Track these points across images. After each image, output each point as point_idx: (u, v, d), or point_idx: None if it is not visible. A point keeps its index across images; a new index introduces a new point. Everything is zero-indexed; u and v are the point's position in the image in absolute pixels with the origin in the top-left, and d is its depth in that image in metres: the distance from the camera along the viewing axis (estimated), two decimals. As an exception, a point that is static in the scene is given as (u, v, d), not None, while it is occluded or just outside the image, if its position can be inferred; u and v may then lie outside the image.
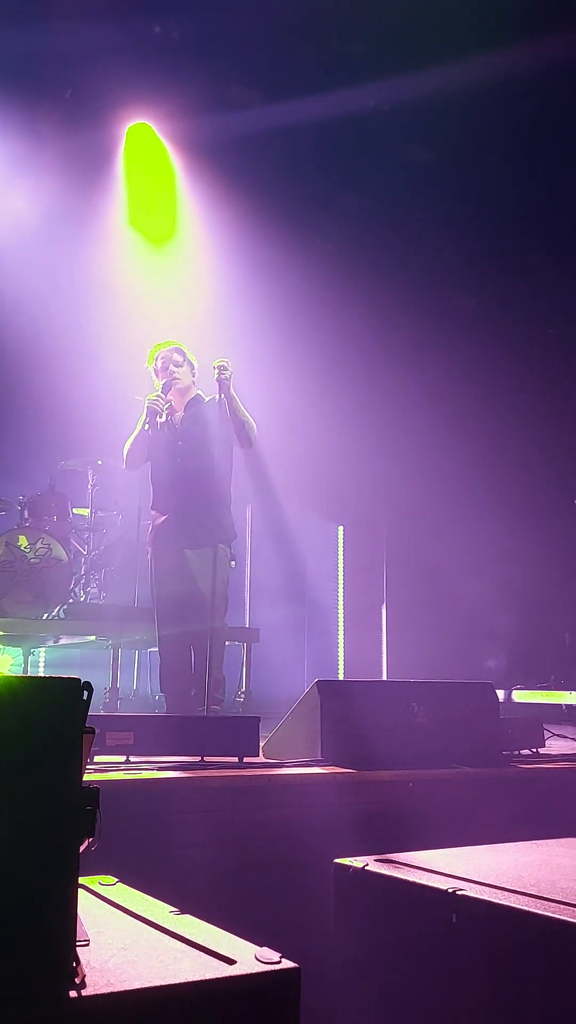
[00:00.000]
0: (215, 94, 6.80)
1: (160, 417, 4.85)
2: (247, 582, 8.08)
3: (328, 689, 3.42)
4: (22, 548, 6.16)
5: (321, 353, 7.64)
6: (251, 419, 4.90)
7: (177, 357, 4.96)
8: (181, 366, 4.95)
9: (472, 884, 2.01)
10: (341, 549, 9.09)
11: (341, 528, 9.14)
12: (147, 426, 4.83)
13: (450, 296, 8.07)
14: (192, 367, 5.02)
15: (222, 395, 4.75)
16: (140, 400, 5.01)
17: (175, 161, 7.55)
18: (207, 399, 4.99)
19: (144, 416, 4.84)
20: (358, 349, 7.84)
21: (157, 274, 7.70)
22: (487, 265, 7.77)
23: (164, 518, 4.89)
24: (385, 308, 7.82)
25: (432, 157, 7.17)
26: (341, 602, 8.89)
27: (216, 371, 4.74)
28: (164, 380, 4.92)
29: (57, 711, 1.37)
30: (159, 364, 4.98)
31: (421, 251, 7.70)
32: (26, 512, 6.70)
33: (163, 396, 4.86)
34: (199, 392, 5.03)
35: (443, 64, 6.09)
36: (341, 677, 8.36)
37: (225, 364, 4.75)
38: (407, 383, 7.93)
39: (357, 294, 7.67)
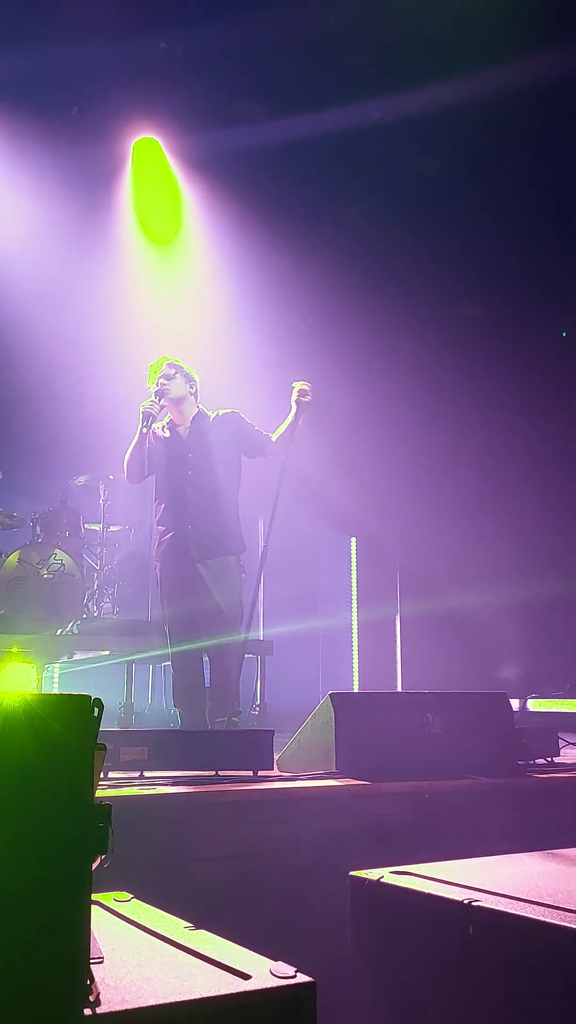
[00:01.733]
0: (219, 108, 6.85)
1: (156, 423, 4.82)
2: (260, 593, 8.08)
3: (342, 701, 3.41)
4: (35, 564, 6.19)
5: (328, 364, 7.65)
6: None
7: (168, 370, 4.92)
8: (172, 378, 4.90)
9: (489, 895, 2.00)
10: (354, 560, 9.07)
11: (354, 540, 9.13)
12: (145, 430, 4.80)
13: (457, 305, 8.08)
14: (188, 379, 4.95)
15: (295, 418, 4.81)
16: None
17: (181, 175, 7.60)
18: (212, 415, 4.99)
19: (140, 424, 4.80)
20: (366, 359, 7.85)
21: (165, 288, 7.75)
22: (494, 274, 7.78)
23: (174, 532, 4.87)
24: (392, 318, 7.83)
25: (436, 167, 7.20)
26: (355, 614, 8.88)
27: (296, 392, 4.79)
28: (168, 403, 4.90)
29: (68, 728, 1.38)
30: (162, 365, 4.96)
31: (427, 261, 7.72)
32: (38, 528, 6.74)
33: (156, 401, 4.83)
34: (201, 407, 5.00)
35: (447, 76, 6.12)
36: (356, 689, 8.34)
37: (306, 388, 4.81)
38: (415, 393, 7.94)
39: (364, 305, 7.68)
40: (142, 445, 4.84)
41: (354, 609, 8.90)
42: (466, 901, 1.96)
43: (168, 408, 4.94)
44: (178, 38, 6.36)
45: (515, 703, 4.93)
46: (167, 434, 4.91)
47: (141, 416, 4.80)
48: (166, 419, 4.96)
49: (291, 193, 7.31)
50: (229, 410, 5.01)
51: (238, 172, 7.19)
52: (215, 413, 4.99)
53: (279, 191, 7.26)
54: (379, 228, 7.55)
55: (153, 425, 4.85)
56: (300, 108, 6.67)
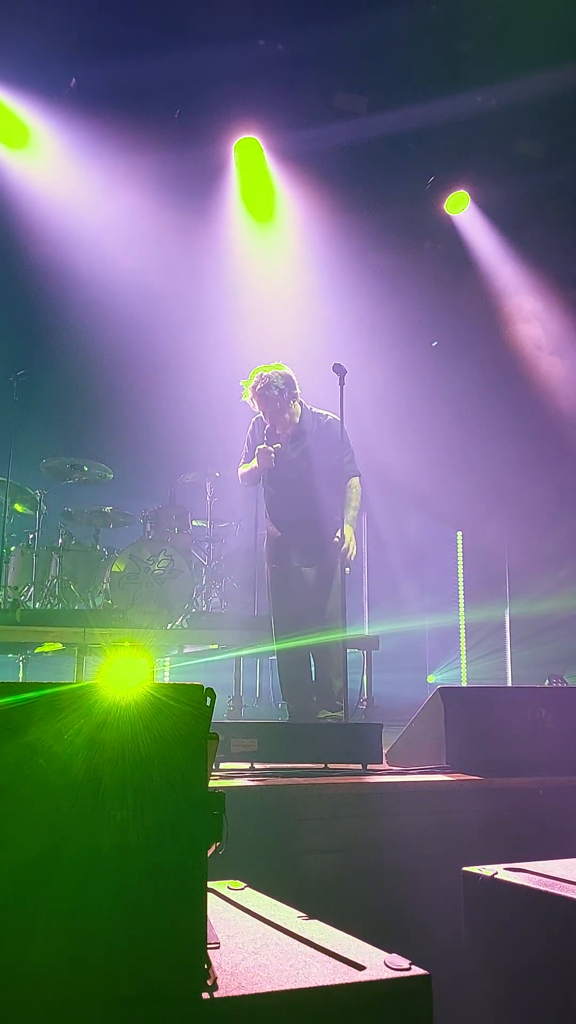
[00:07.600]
0: (321, 103, 6.83)
1: (271, 465, 4.87)
2: (365, 589, 8.06)
3: (451, 696, 3.37)
4: (145, 560, 6.32)
5: (436, 356, 7.58)
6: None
7: (275, 405, 4.78)
8: (282, 411, 4.81)
9: (608, 895, 1.95)
10: (461, 554, 8.95)
11: (460, 533, 9.01)
12: (260, 476, 4.98)
13: (565, 295, 7.85)
14: (292, 392, 4.81)
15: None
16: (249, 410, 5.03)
17: (284, 173, 7.60)
18: (315, 413, 4.94)
19: (256, 464, 4.90)
20: (473, 349, 7.74)
21: (269, 289, 7.77)
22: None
23: (279, 532, 4.96)
24: (499, 310, 7.70)
25: (543, 149, 7.02)
26: (462, 606, 8.76)
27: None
28: (269, 422, 4.87)
29: (182, 716, 1.40)
30: (259, 386, 4.79)
31: (530, 248, 7.54)
32: (149, 525, 6.88)
33: (270, 448, 4.84)
34: (302, 404, 4.94)
35: (553, 59, 5.97)
36: (464, 683, 8.23)
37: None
38: (523, 386, 7.77)
39: (470, 299, 7.57)
40: (256, 472, 4.97)
41: (461, 603, 8.79)
42: (584, 900, 1.92)
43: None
44: (278, 35, 6.36)
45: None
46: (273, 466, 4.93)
47: (257, 459, 4.87)
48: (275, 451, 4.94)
49: (394, 183, 7.25)
50: (333, 416, 4.89)
51: (340, 166, 7.16)
52: (317, 412, 4.95)
53: (383, 182, 7.21)
54: (486, 213, 7.41)
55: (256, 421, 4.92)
56: (402, 97, 6.57)
